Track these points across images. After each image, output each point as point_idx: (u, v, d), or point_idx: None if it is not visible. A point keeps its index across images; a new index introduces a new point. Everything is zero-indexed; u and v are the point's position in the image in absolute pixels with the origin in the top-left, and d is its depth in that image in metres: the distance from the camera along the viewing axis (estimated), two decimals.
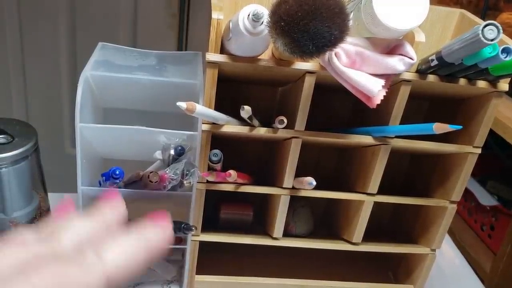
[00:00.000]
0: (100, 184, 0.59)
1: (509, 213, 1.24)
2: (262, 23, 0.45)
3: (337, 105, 0.67)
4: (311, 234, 0.67)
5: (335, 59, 0.46)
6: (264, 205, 0.66)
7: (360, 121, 0.61)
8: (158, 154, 0.57)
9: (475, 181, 1.38)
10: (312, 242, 0.62)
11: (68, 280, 0.23)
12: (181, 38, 1.34)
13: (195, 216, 0.57)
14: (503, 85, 0.53)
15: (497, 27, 0.43)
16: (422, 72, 0.52)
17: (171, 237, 0.30)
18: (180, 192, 0.56)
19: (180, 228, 0.54)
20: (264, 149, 0.68)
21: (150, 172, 0.54)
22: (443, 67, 0.50)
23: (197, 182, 0.56)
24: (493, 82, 0.53)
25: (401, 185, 0.71)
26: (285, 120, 0.52)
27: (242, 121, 0.54)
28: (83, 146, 0.54)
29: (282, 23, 0.41)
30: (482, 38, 0.43)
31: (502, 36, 0.45)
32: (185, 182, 0.54)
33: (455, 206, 0.61)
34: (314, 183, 0.52)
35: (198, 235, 0.59)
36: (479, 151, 0.57)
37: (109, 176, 0.56)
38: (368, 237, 0.62)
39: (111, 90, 0.59)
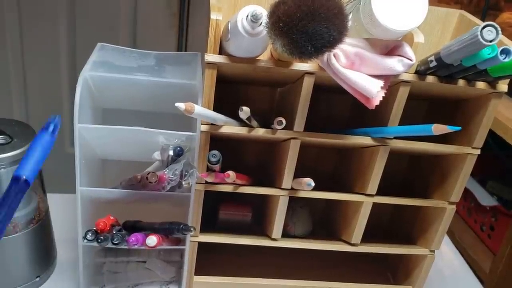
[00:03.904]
0: None
1: (509, 213, 1.24)
2: (260, 24, 0.45)
3: (336, 106, 0.67)
4: (310, 235, 0.67)
5: (333, 60, 0.46)
6: (263, 206, 0.66)
7: (359, 122, 0.61)
8: (157, 155, 0.57)
9: (475, 181, 1.38)
10: (310, 243, 0.62)
11: None
12: (181, 38, 1.34)
13: (194, 216, 0.57)
14: (502, 86, 0.53)
15: (496, 28, 0.43)
16: (421, 73, 0.52)
17: None
18: (178, 193, 0.56)
19: (179, 229, 0.54)
20: (263, 150, 0.68)
21: (149, 173, 0.54)
22: (442, 68, 0.50)
23: (196, 183, 0.56)
24: (492, 83, 0.53)
25: (400, 186, 0.71)
26: (284, 121, 0.52)
27: (241, 122, 0.54)
28: (82, 147, 0.54)
29: (281, 24, 0.41)
30: (481, 39, 0.43)
31: (501, 37, 0.45)
32: (184, 182, 0.54)
33: (454, 207, 0.61)
34: (313, 184, 0.52)
35: (196, 236, 0.59)
36: (478, 152, 0.57)
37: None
38: (367, 238, 0.62)
39: (110, 90, 0.59)
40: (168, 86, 0.57)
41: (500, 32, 0.43)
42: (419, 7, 0.45)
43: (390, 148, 0.56)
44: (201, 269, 0.62)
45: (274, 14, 0.41)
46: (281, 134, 0.54)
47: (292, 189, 0.57)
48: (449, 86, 0.53)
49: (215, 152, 0.54)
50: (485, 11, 1.36)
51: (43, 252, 0.64)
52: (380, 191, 0.59)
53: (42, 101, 1.38)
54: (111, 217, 0.58)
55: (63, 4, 1.26)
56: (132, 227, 0.58)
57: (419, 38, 0.50)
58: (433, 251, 0.64)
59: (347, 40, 0.45)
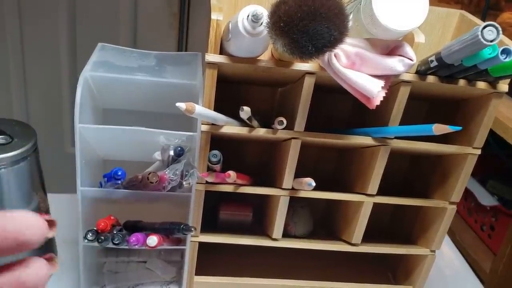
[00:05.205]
0: (101, 185, 0.59)
1: (509, 213, 1.24)
2: (261, 23, 0.45)
3: (337, 106, 0.67)
4: (311, 235, 0.67)
5: (334, 60, 0.46)
6: (263, 206, 0.66)
7: (359, 122, 0.61)
8: (157, 155, 0.57)
9: (475, 181, 1.38)
10: (311, 243, 0.62)
11: None
12: (181, 38, 1.34)
13: (195, 216, 0.57)
14: (503, 86, 0.53)
15: (496, 28, 0.43)
16: (421, 73, 0.52)
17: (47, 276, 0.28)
18: (179, 193, 0.56)
19: (180, 229, 0.54)
20: (264, 150, 0.68)
21: (150, 173, 0.54)
22: (443, 68, 0.50)
23: (197, 183, 0.56)
24: (493, 83, 0.53)
25: (401, 186, 0.71)
26: (285, 121, 0.52)
27: (242, 122, 0.54)
28: (82, 147, 0.54)
29: (282, 24, 0.41)
30: (482, 39, 0.43)
31: (502, 37, 0.45)
32: (184, 182, 0.54)
33: (454, 207, 0.61)
34: (314, 184, 0.52)
35: (197, 236, 0.59)
36: (478, 152, 0.57)
37: (110, 177, 0.56)
38: (368, 238, 0.62)
39: (111, 90, 0.59)
40: (168, 86, 0.57)
41: (500, 32, 0.43)
42: (420, 7, 0.45)
43: (390, 148, 0.56)
44: (201, 269, 0.62)
45: (274, 14, 0.41)
46: (281, 134, 0.54)
47: (292, 189, 0.57)
48: (449, 86, 0.53)
49: (215, 152, 0.54)
50: (486, 11, 1.36)
51: (44, 252, 0.64)
52: (381, 191, 0.59)
53: (43, 101, 1.38)
54: (112, 217, 0.58)
55: (64, 4, 1.26)
56: (132, 227, 0.58)
57: (420, 38, 0.50)
58: (434, 251, 0.64)
59: (348, 40, 0.45)
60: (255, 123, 0.53)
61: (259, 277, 0.63)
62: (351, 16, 0.48)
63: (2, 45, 1.28)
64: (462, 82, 0.53)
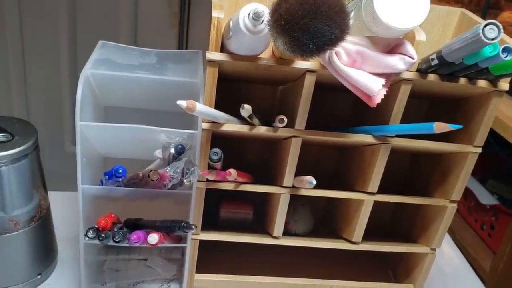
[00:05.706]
0: (102, 183, 0.59)
1: (509, 212, 1.24)
2: (262, 21, 0.45)
3: (337, 104, 0.67)
4: (311, 233, 0.67)
5: (335, 58, 0.46)
6: (264, 204, 0.66)
7: (360, 120, 0.61)
8: (158, 153, 0.57)
9: (475, 180, 1.38)
10: (312, 241, 0.62)
11: None
12: (182, 38, 1.34)
13: (195, 214, 0.58)
14: (503, 85, 0.53)
15: (497, 26, 0.43)
16: (422, 71, 0.52)
17: None
18: (180, 191, 0.56)
19: (180, 226, 0.54)
20: (264, 148, 0.69)
21: (150, 171, 0.54)
22: (444, 66, 0.50)
23: (197, 181, 0.56)
24: (494, 81, 0.53)
25: (401, 184, 0.71)
26: (285, 119, 0.52)
27: (242, 120, 0.54)
28: (83, 145, 0.54)
29: (283, 22, 0.41)
30: (483, 38, 0.43)
31: (503, 35, 0.45)
32: (185, 180, 0.54)
33: (455, 205, 0.61)
34: (314, 182, 0.52)
35: (198, 234, 0.59)
36: (479, 150, 0.57)
37: (111, 175, 0.56)
38: (368, 236, 0.62)
39: (112, 88, 0.59)
40: (169, 84, 0.58)
41: (501, 30, 0.43)
42: (421, 6, 0.45)
43: (391, 146, 0.56)
44: (202, 267, 0.62)
45: (276, 12, 0.41)
46: (282, 132, 0.54)
47: (293, 187, 0.57)
48: (450, 85, 0.53)
49: (216, 150, 0.54)
50: (486, 10, 1.36)
51: (44, 249, 0.64)
52: (381, 190, 0.59)
53: (43, 99, 1.38)
54: (113, 215, 0.58)
55: (64, 2, 1.26)
56: (133, 225, 0.58)
57: (421, 36, 0.50)
58: (434, 249, 0.64)
59: (349, 38, 0.45)
60: (256, 121, 0.53)
61: (260, 275, 0.63)
62: (352, 14, 0.48)
63: (2, 43, 1.28)
64: (462, 80, 0.53)
